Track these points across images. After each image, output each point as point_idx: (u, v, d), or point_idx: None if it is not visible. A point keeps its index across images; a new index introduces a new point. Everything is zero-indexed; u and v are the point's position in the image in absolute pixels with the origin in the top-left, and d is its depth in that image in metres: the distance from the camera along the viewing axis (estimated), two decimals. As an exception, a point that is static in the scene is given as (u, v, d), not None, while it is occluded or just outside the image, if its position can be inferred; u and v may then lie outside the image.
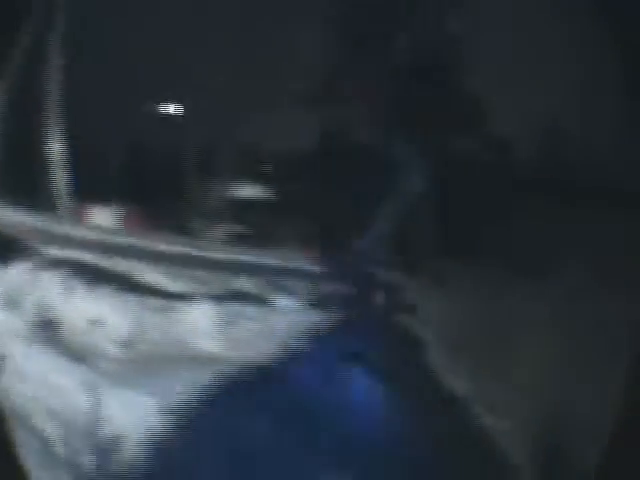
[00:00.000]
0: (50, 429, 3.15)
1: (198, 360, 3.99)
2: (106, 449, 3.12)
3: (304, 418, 3.59)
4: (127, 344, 4.12)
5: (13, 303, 4.08)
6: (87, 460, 3.05)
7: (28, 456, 2.58)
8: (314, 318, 4.98)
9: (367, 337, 4.89)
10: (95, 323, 4.23)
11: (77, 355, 3.73)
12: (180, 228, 6.73)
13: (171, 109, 8.35)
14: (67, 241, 4.99)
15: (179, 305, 4.68)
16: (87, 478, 2.89)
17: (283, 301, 5.37)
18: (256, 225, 8.42)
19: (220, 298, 5.09)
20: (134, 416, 3.33)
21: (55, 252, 4.90)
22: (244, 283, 5.76)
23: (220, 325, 4.49)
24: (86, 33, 6.20)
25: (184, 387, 3.57)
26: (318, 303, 5.54)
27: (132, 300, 4.62)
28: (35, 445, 2.99)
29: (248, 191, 8.85)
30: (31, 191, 5.57)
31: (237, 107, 9.11)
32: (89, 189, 6.22)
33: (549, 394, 4.16)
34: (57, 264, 4.63)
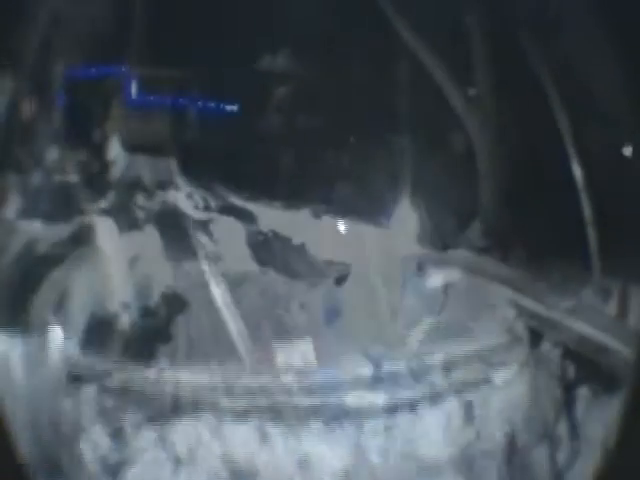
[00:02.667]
0: None
1: None
2: None
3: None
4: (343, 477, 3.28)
5: (190, 459, 3.50)
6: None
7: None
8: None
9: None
10: (303, 464, 3.42)
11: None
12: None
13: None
14: (256, 392, 4.39)
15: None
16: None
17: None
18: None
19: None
20: None
21: (241, 403, 4.31)
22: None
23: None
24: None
25: None
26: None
27: (347, 429, 3.81)
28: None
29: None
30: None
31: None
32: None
33: None
34: (245, 414, 3.99)
